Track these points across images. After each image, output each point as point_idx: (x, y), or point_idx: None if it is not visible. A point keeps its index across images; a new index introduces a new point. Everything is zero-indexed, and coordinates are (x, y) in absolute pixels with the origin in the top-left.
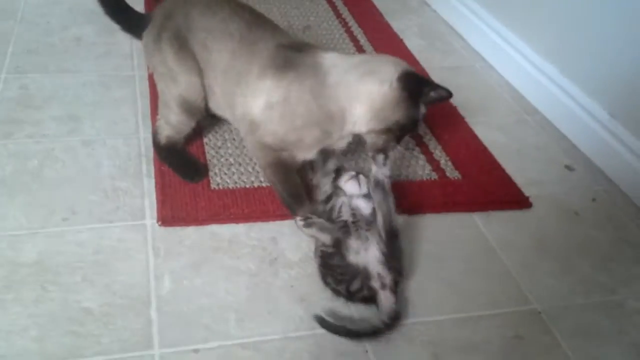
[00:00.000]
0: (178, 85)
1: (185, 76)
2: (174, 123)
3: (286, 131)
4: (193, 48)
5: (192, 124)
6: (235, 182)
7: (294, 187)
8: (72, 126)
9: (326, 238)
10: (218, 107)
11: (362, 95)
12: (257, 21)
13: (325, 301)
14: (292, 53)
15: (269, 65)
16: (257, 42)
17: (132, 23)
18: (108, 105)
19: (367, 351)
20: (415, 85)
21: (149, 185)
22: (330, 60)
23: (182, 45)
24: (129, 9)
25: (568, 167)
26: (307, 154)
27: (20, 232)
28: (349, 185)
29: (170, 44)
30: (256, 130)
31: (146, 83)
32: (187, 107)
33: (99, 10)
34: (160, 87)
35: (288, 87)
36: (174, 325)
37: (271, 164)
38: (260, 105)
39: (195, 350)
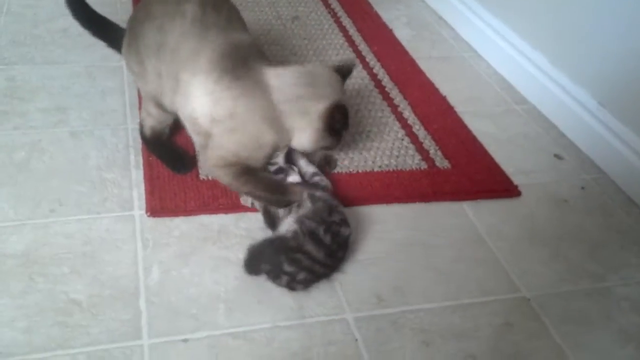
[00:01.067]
0: (147, 83)
1: (152, 74)
2: (154, 115)
3: (237, 148)
4: (151, 40)
5: (171, 116)
6: None
7: (271, 183)
8: (59, 117)
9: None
10: (164, 95)
11: (301, 126)
12: (215, 3)
13: (315, 291)
14: (239, 61)
15: (217, 65)
16: (210, 28)
17: (115, 38)
18: (95, 96)
19: (356, 339)
20: (338, 121)
21: (137, 176)
22: (275, 80)
23: (145, 43)
24: (110, 26)
25: (557, 156)
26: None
27: (7, 224)
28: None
29: (137, 43)
30: (209, 145)
31: None
32: (160, 103)
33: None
34: (138, 85)
35: (234, 102)
36: (162, 316)
37: (236, 176)
38: (205, 112)
39: (185, 340)
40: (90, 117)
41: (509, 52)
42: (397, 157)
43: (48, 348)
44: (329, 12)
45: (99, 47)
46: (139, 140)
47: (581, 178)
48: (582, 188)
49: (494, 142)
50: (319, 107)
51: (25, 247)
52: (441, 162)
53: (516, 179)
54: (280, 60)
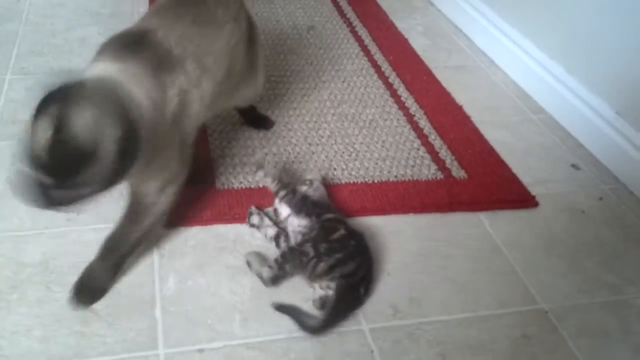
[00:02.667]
0: None
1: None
2: None
3: None
4: None
5: None
6: (240, 182)
7: None
8: None
9: None
10: None
11: None
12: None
13: None
14: None
15: None
16: None
17: None
18: None
19: (372, 351)
20: None
21: None
22: None
23: None
24: None
25: (574, 166)
26: None
27: (25, 233)
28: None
29: None
30: None
31: None
32: None
33: (103, 11)
34: None
35: None
36: (178, 325)
37: None
38: None
39: (200, 350)
40: None
41: (525, 61)
42: (413, 167)
43: (64, 357)
44: (345, 22)
45: None
46: None
47: (599, 189)
48: (600, 199)
49: (511, 151)
50: None
51: (42, 256)
52: (457, 172)
53: (533, 189)
54: (297, 70)
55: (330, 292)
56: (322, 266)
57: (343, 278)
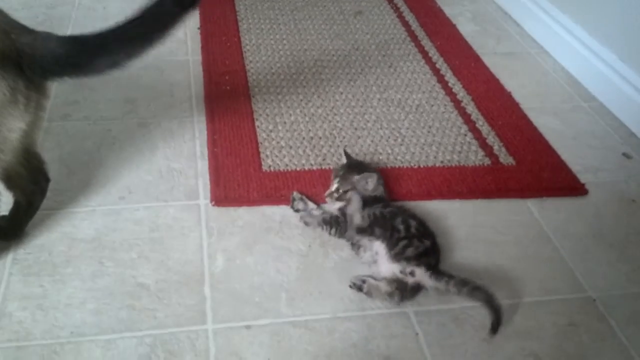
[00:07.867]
0: None
1: None
2: None
3: None
4: None
5: None
6: (286, 165)
7: None
8: (128, 108)
9: None
10: None
11: None
12: None
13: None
14: None
15: None
16: None
17: None
18: (163, 89)
19: (417, 334)
20: None
21: (203, 166)
22: None
23: None
24: None
25: (626, 155)
26: None
27: (79, 209)
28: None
29: None
30: None
31: (199, 68)
32: None
33: None
34: None
35: None
36: (226, 302)
37: None
38: None
39: (247, 327)
40: (158, 109)
41: (576, 48)
42: (460, 152)
43: (116, 330)
44: (392, 7)
45: (167, 41)
46: (205, 132)
47: None
48: None
49: (560, 139)
50: None
51: (95, 232)
52: (505, 159)
53: (583, 178)
54: (343, 54)
55: (411, 280)
56: (411, 250)
57: (429, 267)
